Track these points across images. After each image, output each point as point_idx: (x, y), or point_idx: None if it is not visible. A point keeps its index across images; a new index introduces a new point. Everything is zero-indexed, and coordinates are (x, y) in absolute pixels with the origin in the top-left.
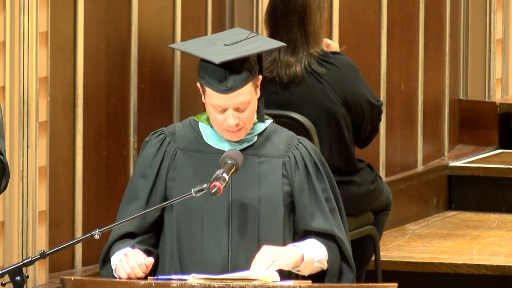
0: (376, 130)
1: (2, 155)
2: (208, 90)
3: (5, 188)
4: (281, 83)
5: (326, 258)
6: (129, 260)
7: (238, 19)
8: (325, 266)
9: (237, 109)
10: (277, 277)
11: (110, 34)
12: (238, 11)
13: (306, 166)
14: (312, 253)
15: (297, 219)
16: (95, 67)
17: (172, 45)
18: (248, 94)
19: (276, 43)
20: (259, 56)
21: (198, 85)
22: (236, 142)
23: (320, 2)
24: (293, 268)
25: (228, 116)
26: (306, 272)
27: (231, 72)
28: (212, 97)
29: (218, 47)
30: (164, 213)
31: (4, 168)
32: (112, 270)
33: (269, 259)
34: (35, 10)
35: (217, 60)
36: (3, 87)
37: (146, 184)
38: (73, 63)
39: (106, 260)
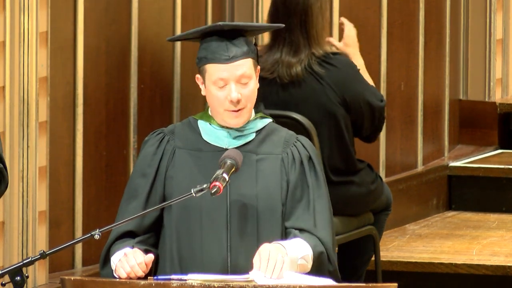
0: (379, 129)
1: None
2: (210, 68)
3: (2, 193)
4: (281, 83)
5: (311, 254)
6: (129, 260)
7: (238, 19)
8: (310, 263)
9: (239, 82)
10: None
11: (110, 34)
12: (238, 11)
13: (302, 162)
14: (295, 252)
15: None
16: (95, 67)
17: (170, 38)
18: (250, 68)
19: (274, 26)
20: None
21: (197, 76)
22: (234, 139)
23: (322, 4)
24: None
25: (230, 90)
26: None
27: (233, 43)
28: (214, 73)
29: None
30: (163, 212)
31: (2, 174)
32: (112, 270)
33: (275, 270)
34: (35, 10)
35: (220, 25)
36: (3, 87)
37: (146, 183)
38: (73, 63)
39: (107, 260)
